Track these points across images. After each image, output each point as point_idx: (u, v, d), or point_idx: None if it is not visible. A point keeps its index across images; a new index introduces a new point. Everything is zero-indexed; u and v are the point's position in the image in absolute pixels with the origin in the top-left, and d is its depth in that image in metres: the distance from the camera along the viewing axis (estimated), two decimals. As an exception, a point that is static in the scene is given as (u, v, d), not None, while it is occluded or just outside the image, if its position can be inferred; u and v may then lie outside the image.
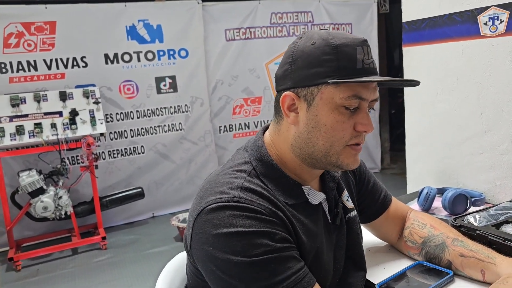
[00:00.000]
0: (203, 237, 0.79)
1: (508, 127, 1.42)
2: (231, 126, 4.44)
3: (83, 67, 3.73)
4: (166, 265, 1.02)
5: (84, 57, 3.73)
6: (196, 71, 4.15)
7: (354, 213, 1.02)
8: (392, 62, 6.19)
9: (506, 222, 1.15)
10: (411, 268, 1.08)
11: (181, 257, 1.04)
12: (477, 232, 1.11)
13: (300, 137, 0.86)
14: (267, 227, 0.78)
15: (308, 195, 0.90)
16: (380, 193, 1.15)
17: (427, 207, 1.43)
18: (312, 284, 0.79)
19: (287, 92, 0.85)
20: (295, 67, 0.84)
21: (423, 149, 1.75)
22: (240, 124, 4.46)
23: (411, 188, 1.82)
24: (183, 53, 4.09)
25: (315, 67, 0.82)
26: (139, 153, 4.03)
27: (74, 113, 3.40)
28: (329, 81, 0.81)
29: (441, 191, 1.48)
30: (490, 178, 1.49)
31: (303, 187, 0.90)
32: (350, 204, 1.01)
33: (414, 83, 0.87)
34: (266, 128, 0.96)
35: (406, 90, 1.80)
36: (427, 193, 1.42)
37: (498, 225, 1.14)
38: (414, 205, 1.49)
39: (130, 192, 3.77)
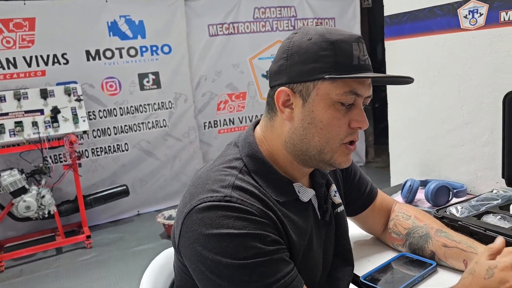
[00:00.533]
0: (193, 236, 0.78)
1: (488, 119, 1.44)
2: (215, 122, 4.42)
3: (64, 64, 3.67)
4: (151, 263, 1.01)
5: (65, 53, 3.67)
6: (179, 67, 4.12)
7: (341, 208, 1.02)
8: (375, 57, 6.22)
9: (486, 212, 1.17)
10: (395, 259, 1.09)
11: (166, 255, 1.04)
12: (459, 223, 1.12)
13: (295, 133, 0.86)
14: (258, 229, 0.77)
15: (299, 192, 0.90)
16: (366, 186, 1.16)
17: (410, 199, 1.45)
18: (301, 286, 0.79)
19: (282, 88, 0.84)
20: (290, 62, 0.84)
21: (406, 142, 1.77)
22: (224, 120, 4.45)
23: (394, 181, 1.84)
24: (166, 49, 4.05)
25: (311, 62, 0.82)
26: (123, 151, 3.99)
27: (55, 111, 3.35)
28: (326, 76, 0.80)
29: (424, 183, 1.50)
30: (471, 170, 1.52)
31: (293, 184, 0.90)
32: (337, 199, 1.02)
33: (408, 80, 0.87)
34: (257, 123, 0.95)
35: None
36: (410, 185, 1.44)
37: (479, 216, 1.16)
38: (398, 197, 1.50)
39: (115, 190, 3.73)
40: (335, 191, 1.02)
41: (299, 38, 0.84)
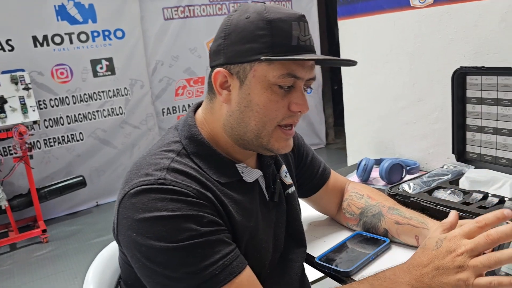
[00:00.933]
0: (127, 222, 0.74)
1: (438, 96, 1.46)
2: (174, 108, 4.33)
3: (9, 51, 3.47)
4: (98, 255, 0.97)
5: (10, 40, 3.46)
6: (134, 52, 3.98)
7: (292, 189, 1.00)
8: (333, 39, 6.26)
9: (437, 188, 1.19)
10: (350, 238, 1.09)
11: (114, 247, 0.99)
12: (411, 199, 1.13)
13: (232, 116, 0.83)
14: (194, 210, 0.74)
15: (243, 172, 0.87)
16: (319, 167, 1.15)
17: (365, 178, 1.45)
18: (242, 268, 0.76)
19: (219, 69, 0.81)
20: (228, 42, 0.80)
21: (361, 121, 1.77)
22: (183, 105, 4.36)
23: (351, 160, 1.86)
24: (119, 34, 3.90)
25: (248, 42, 0.78)
26: (77, 140, 3.84)
27: (2, 101, 3.17)
28: (262, 58, 0.76)
29: (378, 162, 1.51)
30: (423, 147, 1.54)
31: (236, 165, 0.87)
32: (288, 180, 1.00)
33: (351, 63, 0.84)
34: (198, 105, 0.92)
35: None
36: (365, 164, 1.45)
37: (430, 191, 1.18)
38: (354, 177, 1.51)
39: (70, 181, 3.60)
40: (285, 172, 1.00)
41: (237, 16, 0.80)
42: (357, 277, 0.94)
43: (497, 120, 1.28)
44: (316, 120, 5.11)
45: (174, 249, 0.71)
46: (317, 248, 1.08)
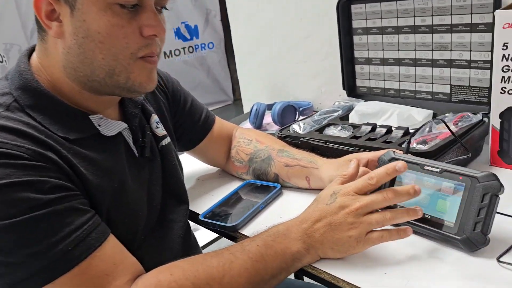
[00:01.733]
0: None
1: (326, 30, 1.39)
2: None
3: None
4: None
5: None
6: (3, 12, 3.48)
7: (167, 140, 0.87)
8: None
9: (328, 125, 1.13)
10: (239, 189, 1.00)
11: None
12: (301, 139, 1.06)
13: (70, 53, 0.66)
14: (31, 175, 0.58)
15: (100, 125, 0.72)
16: (201, 114, 1.02)
17: (258, 124, 1.36)
18: (104, 238, 0.63)
19: None
20: None
21: (252, 66, 1.66)
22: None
23: (247, 108, 1.76)
24: (-17, -8, 3.38)
25: None
26: None
27: None
28: None
29: (271, 107, 1.42)
30: (315, 86, 1.47)
31: (90, 116, 0.71)
32: (161, 131, 0.86)
33: None
34: (33, 49, 0.73)
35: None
36: (256, 109, 1.35)
37: (321, 130, 1.11)
38: (247, 124, 1.41)
39: None
40: (157, 122, 0.86)
41: None
42: (248, 230, 0.85)
43: (383, 50, 1.23)
44: (221, 76, 4.95)
45: (8, 226, 0.56)
46: (205, 204, 0.97)
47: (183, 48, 4.56)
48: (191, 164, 1.13)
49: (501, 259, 0.66)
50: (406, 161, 0.78)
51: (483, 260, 0.67)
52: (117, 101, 0.78)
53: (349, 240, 0.67)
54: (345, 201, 0.68)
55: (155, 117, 0.86)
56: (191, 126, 1.00)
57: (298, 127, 1.11)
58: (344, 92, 1.33)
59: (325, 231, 0.68)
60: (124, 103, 0.80)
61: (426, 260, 0.69)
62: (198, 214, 0.92)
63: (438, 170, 0.74)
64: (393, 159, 0.80)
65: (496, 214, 0.68)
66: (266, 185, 0.99)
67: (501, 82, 0.91)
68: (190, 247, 0.89)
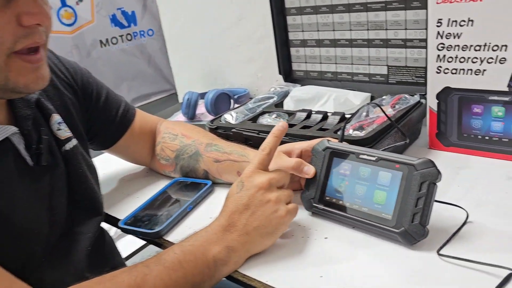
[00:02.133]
0: None
1: (259, 11, 1.30)
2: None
3: None
4: None
5: None
6: None
7: (72, 143, 0.74)
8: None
9: (262, 113, 1.05)
10: (168, 188, 0.90)
11: None
12: (233, 130, 0.98)
13: None
14: None
15: None
16: (118, 108, 0.91)
17: (191, 115, 1.27)
18: None
19: None
20: None
21: (185, 53, 1.56)
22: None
23: (182, 98, 1.65)
24: None
25: None
26: None
27: None
28: None
29: (205, 95, 1.33)
30: (251, 71, 1.39)
31: None
32: (64, 133, 0.73)
33: None
34: None
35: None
36: (188, 99, 1.25)
37: (255, 118, 1.03)
38: (180, 115, 1.31)
39: None
40: (59, 123, 0.73)
41: None
42: (174, 235, 0.76)
43: (318, 30, 1.17)
44: (163, 65, 4.75)
45: None
46: (129, 208, 0.86)
47: (121, 36, 4.33)
48: (113, 164, 1.02)
49: (441, 252, 0.61)
50: (341, 151, 0.72)
51: (423, 253, 0.62)
52: (4, 102, 0.66)
53: (275, 214, 0.65)
54: (252, 181, 0.66)
55: (56, 117, 0.73)
56: (108, 122, 0.89)
57: (231, 117, 1.03)
58: (281, 77, 1.26)
59: (246, 219, 0.64)
60: (14, 104, 0.67)
61: (365, 257, 0.63)
62: (120, 220, 0.82)
63: (374, 158, 0.68)
64: (327, 149, 0.74)
65: (434, 203, 0.63)
66: (196, 183, 0.90)
67: (437, 61, 0.86)
68: (103, 259, 0.78)
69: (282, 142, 0.84)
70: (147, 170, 1.02)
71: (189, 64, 1.55)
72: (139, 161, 1.00)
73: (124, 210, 0.86)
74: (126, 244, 1.08)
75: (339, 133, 0.85)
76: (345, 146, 0.72)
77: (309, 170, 0.74)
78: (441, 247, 0.62)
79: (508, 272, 0.55)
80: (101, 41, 4.17)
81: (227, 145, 0.89)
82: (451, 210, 0.69)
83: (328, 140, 0.75)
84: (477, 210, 0.69)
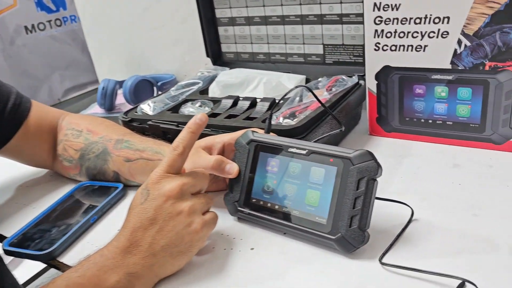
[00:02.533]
0: None
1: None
2: None
3: None
4: None
5: None
6: None
7: None
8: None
9: (185, 101, 0.92)
10: (70, 195, 0.76)
11: None
12: (149, 122, 0.84)
13: None
14: None
15: None
16: (7, 100, 0.76)
17: (108, 106, 1.11)
18: None
19: None
20: None
21: (104, 35, 1.38)
22: None
23: (103, 87, 1.48)
24: None
25: None
26: None
27: None
28: None
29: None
30: (177, 54, 1.25)
31: None
32: None
33: None
34: None
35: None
36: (103, 88, 1.10)
37: (176, 108, 0.90)
38: (96, 108, 1.15)
39: None
40: None
41: None
42: (72, 255, 0.62)
43: (247, 6, 1.04)
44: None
45: None
46: (23, 221, 0.72)
47: (49, 22, 3.97)
48: (9, 168, 0.86)
49: (383, 260, 0.52)
50: (267, 144, 0.61)
51: (363, 262, 0.53)
52: None
53: (188, 229, 0.52)
54: (160, 189, 0.53)
55: None
56: (-6, 119, 0.73)
57: (148, 107, 0.89)
58: (210, 60, 1.13)
59: (153, 237, 0.51)
60: None
61: (297, 271, 0.53)
62: (3, 237, 0.67)
63: (304, 152, 0.57)
64: (252, 142, 0.62)
65: (376, 200, 0.54)
66: (105, 187, 0.76)
67: (374, 36, 0.77)
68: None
69: (203, 136, 0.72)
70: (51, 173, 0.87)
71: (109, 49, 1.39)
72: (39, 163, 0.84)
73: (17, 224, 0.71)
74: (30, 266, 0.93)
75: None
76: (272, 138, 0.61)
77: (232, 168, 0.62)
78: (383, 254, 0.53)
79: (459, 281, 0.46)
80: (26, 27, 3.81)
81: (141, 141, 0.76)
82: (395, 207, 0.60)
83: (253, 131, 0.63)
84: (422, 206, 0.61)
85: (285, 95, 0.66)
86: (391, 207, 0.60)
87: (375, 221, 0.55)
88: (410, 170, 0.71)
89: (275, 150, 0.60)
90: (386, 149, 0.79)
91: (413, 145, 0.79)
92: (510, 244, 0.52)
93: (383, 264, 0.51)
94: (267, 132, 0.64)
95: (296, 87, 0.65)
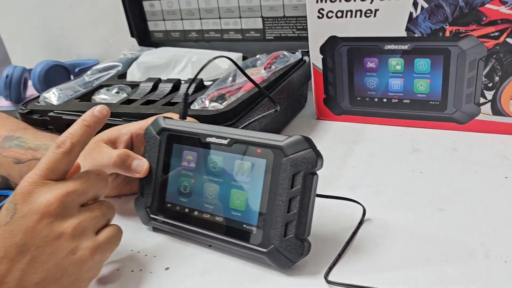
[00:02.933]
0: None
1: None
2: None
3: None
4: None
5: None
6: None
7: None
8: None
9: (100, 87, 0.77)
10: None
11: None
12: (51, 113, 0.69)
13: None
14: None
15: None
16: None
17: (15, 98, 0.94)
18: None
19: None
20: None
21: (14, 16, 1.20)
22: None
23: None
24: None
25: None
26: None
27: None
28: None
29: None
30: (100, 36, 1.09)
31: None
32: None
33: None
34: None
35: None
36: (7, 76, 0.92)
37: (89, 95, 0.75)
38: (2, 100, 0.98)
39: None
40: None
41: None
42: None
43: (174, -23, 0.90)
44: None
45: None
46: None
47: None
48: None
49: (329, 278, 0.40)
50: (181, 133, 0.48)
51: (305, 280, 0.41)
52: None
53: (71, 257, 0.38)
54: (32, 202, 0.38)
55: None
56: None
57: (53, 96, 0.74)
58: (136, 41, 0.98)
59: (22, 271, 0.36)
60: None
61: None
62: None
63: (226, 141, 0.45)
64: (164, 131, 0.49)
65: (317, 199, 0.42)
66: (-7, 196, 0.61)
67: (317, 1, 0.65)
68: None
69: (113, 126, 0.58)
70: None
71: (23, 31, 1.20)
72: None
73: None
74: None
75: (195, 107, 0.61)
76: (187, 125, 0.48)
77: (140, 165, 0.49)
78: (330, 269, 0.41)
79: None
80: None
81: (35, 138, 0.61)
82: (344, 206, 0.48)
83: (166, 117, 0.50)
84: (377, 201, 0.50)
85: (195, 71, 0.53)
86: (339, 206, 0.48)
87: (318, 226, 0.44)
88: (363, 159, 0.60)
89: (190, 140, 0.47)
90: (336, 134, 0.68)
91: (366, 129, 0.68)
92: (486, 245, 0.41)
93: (329, 282, 0.39)
94: (183, 117, 0.51)
95: (214, 58, 0.52)
